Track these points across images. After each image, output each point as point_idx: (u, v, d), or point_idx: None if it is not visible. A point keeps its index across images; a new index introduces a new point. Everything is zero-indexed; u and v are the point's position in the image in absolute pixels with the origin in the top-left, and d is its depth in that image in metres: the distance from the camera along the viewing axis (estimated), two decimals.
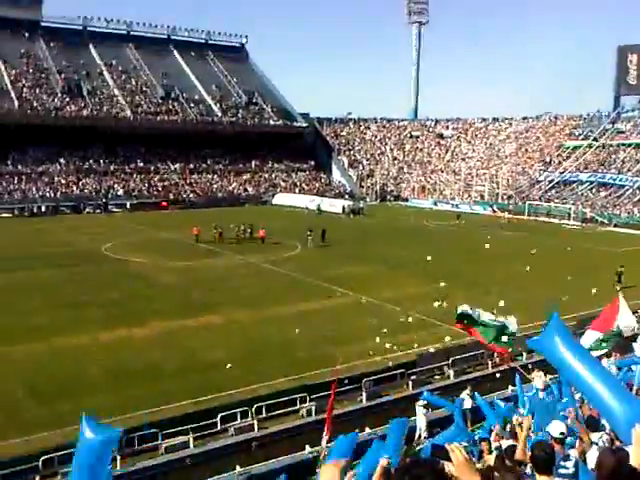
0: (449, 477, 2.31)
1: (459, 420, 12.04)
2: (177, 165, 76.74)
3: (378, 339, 22.51)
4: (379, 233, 49.59)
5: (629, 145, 73.93)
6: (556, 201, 68.07)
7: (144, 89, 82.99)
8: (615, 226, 57.62)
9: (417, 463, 2.51)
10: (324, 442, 12.06)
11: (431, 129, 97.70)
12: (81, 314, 25.61)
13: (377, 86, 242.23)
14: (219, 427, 16.28)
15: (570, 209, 63.23)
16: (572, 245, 44.71)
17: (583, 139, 78.87)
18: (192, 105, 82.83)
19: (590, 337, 13.44)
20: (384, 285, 31.42)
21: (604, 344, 13.01)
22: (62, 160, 69.97)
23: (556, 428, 6.40)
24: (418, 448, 13.40)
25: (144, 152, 75.61)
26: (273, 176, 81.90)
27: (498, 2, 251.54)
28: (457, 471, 2.54)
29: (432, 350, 21.71)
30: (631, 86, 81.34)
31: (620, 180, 68.49)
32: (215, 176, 77.76)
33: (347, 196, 77.85)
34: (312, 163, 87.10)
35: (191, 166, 77.53)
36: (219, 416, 16.31)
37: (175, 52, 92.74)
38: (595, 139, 77.59)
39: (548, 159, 79.38)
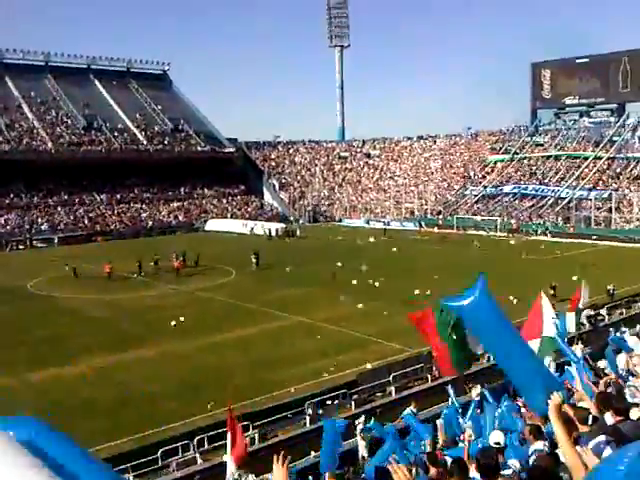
0: None
1: (391, 437, 11.99)
2: (103, 196, 74.91)
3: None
4: (313, 254, 49.59)
5: (548, 157, 76.99)
6: (483, 214, 70.05)
7: (65, 120, 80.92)
8: (545, 234, 59.61)
9: None
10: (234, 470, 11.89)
11: (359, 149, 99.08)
12: (8, 355, 24.45)
13: (304, 109, 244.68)
14: (160, 463, 15.75)
15: (496, 221, 65.25)
16: (499, 255, 45.97)
17: (504, 153, 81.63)
18: (116, 134, 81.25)
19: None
20: (321, 306, 31.39)
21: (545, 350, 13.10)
22: None
23: (493, 438, 6.47)
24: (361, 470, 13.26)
25: (68, 184, 73.36)
26: (204, 202, 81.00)
27: (416, 25, 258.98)
28: None
29: (371, 367, 21.74)
30: (546, 100, 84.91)
31: (542, 191, 71.11)
32: (143, 205, 76.27)
33: (287, 218, 77.76)
34: (242, 187, 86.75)
35: (118, 196, 75.80)
36: (160, 451, 15.80)
37: (96, 81, 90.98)
38: (515, 153, 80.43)
39: (472, 174, 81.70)
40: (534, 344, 12.74)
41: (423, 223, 70.98)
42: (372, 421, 16.44)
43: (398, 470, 2.50)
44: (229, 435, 12.07)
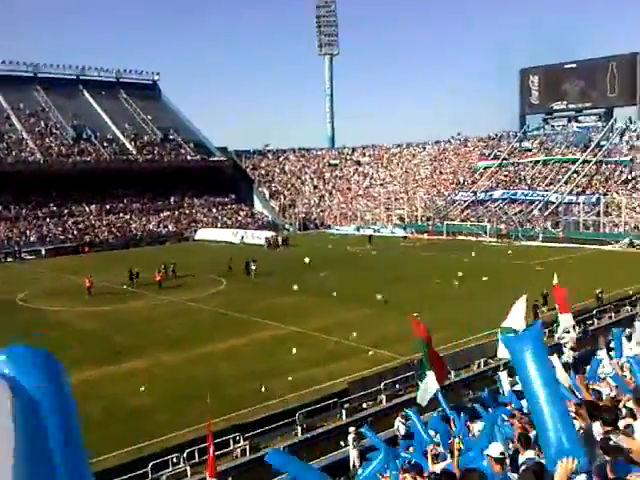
0: None
1: (385, 448, 11.96)
2: (92, 206, 74.62)
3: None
4: (303, 262, 49.47)
5: (536, 162, 77.40)
6: (472, 219, 70.25)
7: (54, 131, 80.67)
8: (538, 240, 60.18)
9: None
10: None
11: (348, 157, 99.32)
12: None
13: (294, 117, 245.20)
14: (150, 476, 15.64)
15: (486, 226, 65.56)
16: (489, 261, 46.14)
17: (493, 159, 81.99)
18: (105, 144, 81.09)
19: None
20: (312, 314, 31.33)
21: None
22: None
23: (495, 449, 6.27)
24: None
25: (57, 195, 73.17)
26: (194, 211, 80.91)
27: (403, 34, 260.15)
28: None
29: (362, 376, 21.68)
30: (534, 105, 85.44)
31: (531, 195, 71.44)
32: (133, 215, 76.04)
33: (277, 226, 77.71)
34: (233, 196, 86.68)
35: (107, 207, 75.55)
36: (150, 465, 15.68)
37: (85, 92, 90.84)
38: (504, 158, 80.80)
39: (462, 180, 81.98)
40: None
41: (413, 230, 71.25)
42: (365, 427, 16.41)
43: None
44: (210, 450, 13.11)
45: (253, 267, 43.50)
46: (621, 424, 6.03)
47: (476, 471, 5.45)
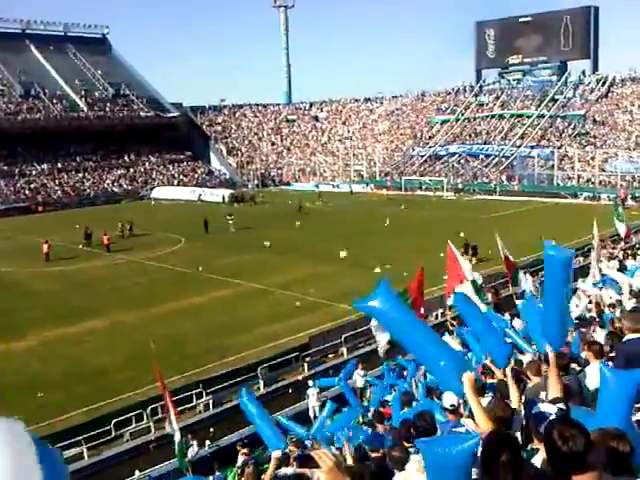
0: None
1: (352, 400, 12.27)
2: (44, 165, 72.62)
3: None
4: (262, 219, 49.34)
5: (492, 116, 77.94)
6: (430, 174, 70.78)
7: (1, 88, 77.70)
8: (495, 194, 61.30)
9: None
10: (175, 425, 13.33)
11: (306, 112, 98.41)
12: None
13: (250, 72, 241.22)
14: (113, 434, 15.72)
15: (443, 181, 66.23)
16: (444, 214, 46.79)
17: (450, 113, 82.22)
18: (55, 101, 78.54)
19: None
20: (273, 271, 31.41)
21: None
22: None
23: (448, 399, 6.43)
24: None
25: (7, 155, 70.97)
26: (149, 169, 79.45)
27: None
28: (327, 477, 2.50)
29: (323, 330, 21.97)
30: (490, 60, 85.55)
31: (486, 150, 72.16)
32: (86, 174, 74.32)
33: (235, 183, 76.92)
34: (189, 153, 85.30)
35: (59, 165, 73.62)
36: (112, 422, 15.75)
37: (32, 47, 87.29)
38: (461, 113, 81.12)
39: (419, 135, 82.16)
40: (465, 287, 13.20)
41: (372, 185, 71.65)
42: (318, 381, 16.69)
43: (323, 455, 2.52)
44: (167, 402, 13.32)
45: (230, 222, 44.18)
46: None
47: (428, 413, 5.69)
